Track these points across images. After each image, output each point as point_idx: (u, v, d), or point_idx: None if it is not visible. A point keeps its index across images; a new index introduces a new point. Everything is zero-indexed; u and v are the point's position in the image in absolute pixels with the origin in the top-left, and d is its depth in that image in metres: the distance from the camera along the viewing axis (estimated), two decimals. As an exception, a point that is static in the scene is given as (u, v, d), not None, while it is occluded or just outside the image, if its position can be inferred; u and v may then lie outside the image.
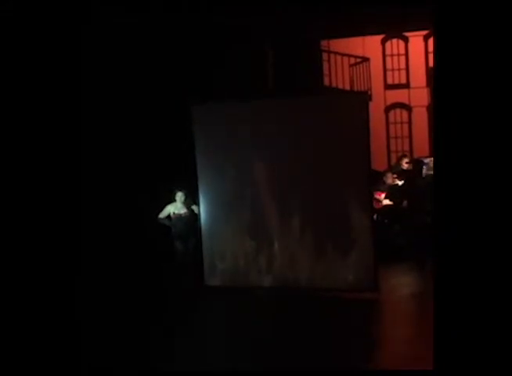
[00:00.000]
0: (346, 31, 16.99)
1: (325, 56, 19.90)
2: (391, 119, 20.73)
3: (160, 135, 12.95)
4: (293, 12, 12.57)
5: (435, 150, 4.85)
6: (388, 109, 20.67)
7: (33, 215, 6.09)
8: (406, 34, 19.79)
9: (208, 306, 10.93)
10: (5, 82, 6.05)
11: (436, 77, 4.75)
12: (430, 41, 18.96)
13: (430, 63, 18.75)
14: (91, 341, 8.24)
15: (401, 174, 14.21)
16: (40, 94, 6.20)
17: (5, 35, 6.04)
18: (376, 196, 13.35)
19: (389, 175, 14.04)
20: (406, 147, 20.36)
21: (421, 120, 19.80)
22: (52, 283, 6.16)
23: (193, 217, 11.88)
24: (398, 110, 20.66)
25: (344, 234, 10.55)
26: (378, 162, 16.99)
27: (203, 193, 11.30)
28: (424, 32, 18.89)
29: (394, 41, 20.35)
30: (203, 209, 11.36)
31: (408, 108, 20.48)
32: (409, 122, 20.53)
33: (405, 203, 13.44)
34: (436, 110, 4.78)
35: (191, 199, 11.90)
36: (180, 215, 12.03)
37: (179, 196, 12.01)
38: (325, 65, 19.87)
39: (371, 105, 13.78)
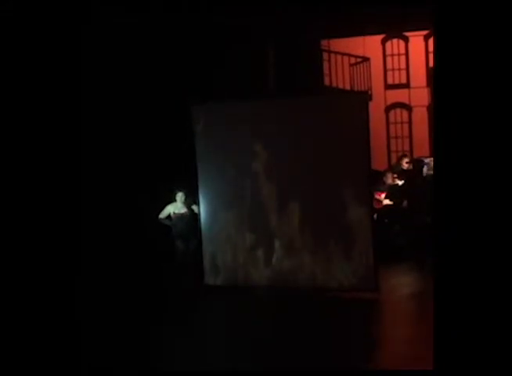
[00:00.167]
0: (346, 31, 16.98)
1: (325, 55, 19.89)
2: (392, 119, 20.72)
3: (160, 135, 12.95)
4: (293, 12, 12.56)
5: (435, 149, 4.85)
6: (388, 109, 20.65)
7: (33, 215, 6.09)
8: (407, 33, 19.77)
9: (208, 306, 10.93)
10: (5, 82, 6.04)
11: (436, 77, 4.74)
12: (431, 41, 18.93)
13: (431, 63, 18.73)
14: (91, 341, 8.23)
15: (401, 174, 14.22)
16: (40, 94, 6.19)
17: (5, 35, 6.03)
18: (377, 196, 13.34)
19: (389, 175, 14.04)
20: (406, 147, 20.34)
21: (421, 120, 19.78)
22: (52, 284, 6.16)
23: (194, 217, 11.88)
24: (398, 110, 20.64)
25: (344, 234, 10.55)
26: (378, 162, 17.00)
27: (203, 192, 11.30)
28: (425, 32, 18.87)
29: (395, 41, 20.33)
30: (203, 209, 11.36)
31: (408, 108, 20.46)
32: (410, 122, 20.52)
33: (405, 203, 13.45)
34: (436, 109, 4.78)
35: (191, 199, 11.90)
36: (181, 214, 12.04)
37: (179, 196, 12.02)
38: (325, 65, 19.85)
39: (371, 105, 13.79)
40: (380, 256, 10.78)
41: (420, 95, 19.79)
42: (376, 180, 13.37)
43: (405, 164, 14.82)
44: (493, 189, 4.51)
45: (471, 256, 4.53)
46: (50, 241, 6.16)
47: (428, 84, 19.43)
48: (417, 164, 14.50)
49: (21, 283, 6.00)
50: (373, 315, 10.13)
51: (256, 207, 10.98)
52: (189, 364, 8.15)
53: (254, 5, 11.60)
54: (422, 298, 10.17)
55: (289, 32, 15.17)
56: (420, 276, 11.83)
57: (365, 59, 19.99)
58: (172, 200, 12.10)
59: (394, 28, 17.41)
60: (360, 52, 20.02)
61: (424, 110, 19.77)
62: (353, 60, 19.94)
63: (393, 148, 20.61)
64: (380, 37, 20.01)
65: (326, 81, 19.79)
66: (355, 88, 19.49)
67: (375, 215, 12.16)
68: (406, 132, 20.60)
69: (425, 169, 14.12)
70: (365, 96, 11.90)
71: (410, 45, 20.15)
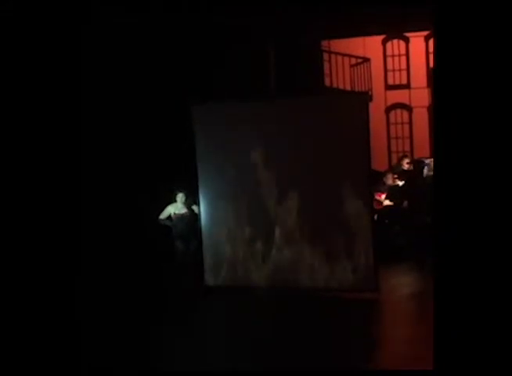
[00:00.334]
0: (346, 31, 16.97)
1: (326, 56, 19.88)
2: (392, 119, 20.71)
3: (161, 135, 12.95)
4: (293, 12, 12.55)
5: (435, 150, 4.84)
6: (389, 109, 20.65)
7: (33, 215, 6.09)
8: (407, 34, 19.77)
9: (208, 306, 10.91)
10: (5, 82, 6.04)
11: (436, 78, 4.74)
12: (431, 42, 18.92)
13: (431, 64, 18.70)
14: (91, 341, 8.23)
15: (401, 174, 14.22)
16: (40, 94, 6.19)
17: (5, 35, 6.03)
18: (377, 197, 13.35)
19: (389, 175, 14.04)
20: (407, 148, 20.35)
21: (422, 120, 19.77)
22: (52, 284, 6.16)
23: (194, 217, 11.88)
24: (398, 111, 20.64)
25: (344, 234, 10.55)
26: (379, 162, 16.99)
27: (203, 193, 11.29)
28: (425, 33, 18.85)
29: (395, 41, 20.32)
30: (203, 209, 11.35)
31: (408, 109, 20.46)
32: (410, 123, 20.52)
33: (405, 203, 13.45)
34: (436, 110, 4.78)
35: (191, 199, 11.90)
36: (181, 215, 12.04)
37: (180, 197, 12.02)
38: (326, 65, 19.85)
39: (372, 105, 13.81)
40: (380, 256, 10.77)
41: (420, 96, 19.78)
42: (376, 181, 13.38)
43: (405, 165, 14.83)
44: (493, 190, 4.51)
45: (471, 256, 4.52)
46: (50, 241, 6.16)
47: (429, 85, 19.42)
48: (418, 164, 14.50)
49: (21, 284, 6.00)
50: (373, 315, 10.13)
51: (256, 207, 10.97)
52: (189, 364, 8.15)
53: (254, 5, 11.59)
54: (422, 298, 10.16)
55: (289, 32, 15.16)
56: (420, 276, 11.83)
57: (366, 60, 19.99)
58: (172, 200, 12.10)
59: (394, 29, 17.40)
60: (360, 53, 20.02)
61: (425, 110, 19.76)
62: (353, 61, 19.93)
63: (393, 149, 20.60)
64: (380, 37, 20.00)
65: (327, 82, 19.78)
66: (356, 89, 19.49)
67: (375, 216, 12.17)
68: (407, 133, 20.60)
69: (425, 170, 14.12)
70: (365, 97, 11.90)
71: (411, 45, 20.14)
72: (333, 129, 10.58)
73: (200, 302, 11.02)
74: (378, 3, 11.93)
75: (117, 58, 12.10)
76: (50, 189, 6.20)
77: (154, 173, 12.69)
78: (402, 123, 20.61)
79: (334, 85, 19.70)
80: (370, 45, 20.02)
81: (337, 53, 19.78)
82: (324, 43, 19.66)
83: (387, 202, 13.60)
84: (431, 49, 18.55)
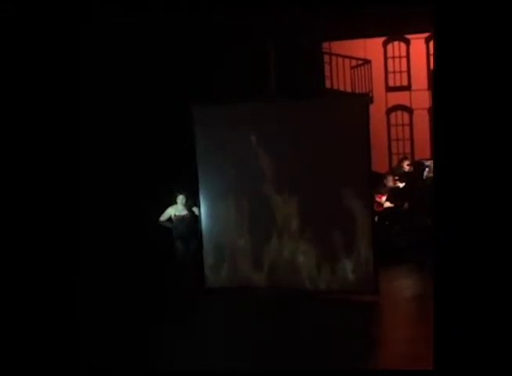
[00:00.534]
0: (347, 33, 16.96)
1: (326, 58, 19.89)
2: (393, 121, 20.73)
3: (161, 136, 12.95)
4: (293, 13, 12.55)
5: (435, 152, 4.83)
6: (390, 111, 20.67)
7: (33, 215, 6.08)
8: (408, 36, 19.79)
9: (208, 306, 10.93)
10: (5, 82, 6.04)
11: (436, 79, 4.73)
12: (432, 44, 18.92)
13: (432, 66, 18.72)
14: (91, 341, 8.23)
15: (402, 176, 14.22)
16: (40, 94, 6.19)
17: (5, 35, 6.04)
18: (377, 199, 13.36)
19: (390, 178, 14.05)
20: (407, 149, 20.37)
21: (422, 122, 19.77)
22: (52, 284, 6.15)
23: (194, 219, 11.88)
24: (399, 113, 20.66)
25: (345, 235, 10.54)
26: (379, 164, 17.00)
27: (203, 193, 11.29)
28: (426, 34, 18.86)
29: (396, 43, 20.35)
30: (203, 210, 11.35)
31: (409, 110, 20.48)
32: (411, 124, 20.54)
33: (406, 205, 13.45)
34: (436, 112, 4.77)
35: (192, 201, 11.91)
36: (181, 216, 12.04)
37: (180, 198, 12.01)
38: (326, 67, 19.85)
39: (372, 107, 13.80)
40: (381, 258, 10.77)
41: (421, 98, 19.79)
42: (377, 183, 13.39)
43: (406, 167, 14.84)
44: (493, 191, 4.50)
45: (471, 257, 4.52)
46: (50, 241, 6.16)
47: (429, 87, 19.41)
48: (418, 166, 14.51)
49: (21, 284, 5.99)
50: (373, 317, 10.12)
51: (256, 207, 10.98)
52: (189, 364, 8.16)
53: (254, 5, 11.59)
54: (422, 300, 10.15)
55: (289, 32, 15.16)
56: (420, 278, 11.81)
57: (367, 62, 20.00)
58: (173, 202, 12.10)
59: (394, 30, 17.38)
60: (361, 55, 20.04)
61: (425, 112, 19.77)
62: (354, 63, 19.94)
63: (394, 150, 20.62)
64: (381, 39, 20.02)
65: (328, 84, 19.79)
66: (356, 91, 19.47)
67: (376, 218, 12.17)
68: (407, 135, 20.62)
69: (426, 171, 14.14)
70: (366, 99, 11.88)
71: (411, 47, 20.17)
72: (333, 131, 10.58)
73: (200, 303, 11.03)
74: (378, 3, 11.93)
75: (116, 58, 12.10)
76: (50, 189, 6.20)
77: (154, 173, 12.69)
78: (403, 125, 20.63)
79: (335, 87, 19.70)
80: (371, 47, 20.05)
81: (337, 55, 19.78)
82: (325, 45, 19.67)
83: (387, 204, 13.61)
84: (432, 51, 18.56)
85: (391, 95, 20.49)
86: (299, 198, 10.73)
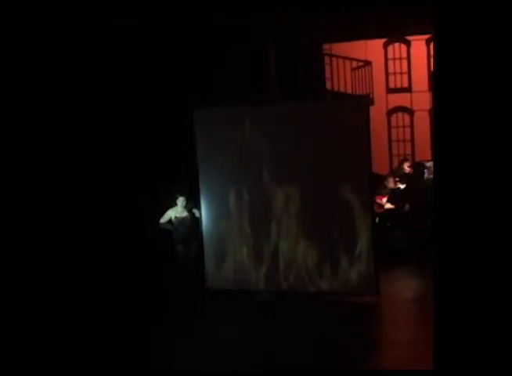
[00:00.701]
0: (347, 33, 16.93)
1: (327, 59, 19.92)
2: (393, 123, 20.76)
3: (160, 136, 12.93)
4: (293, 12, 12.55)
5: (435, 153, 4.83)
6: (390, 113, 20.70)
7: (33, 215, 6.08)
8: (408, 38, 19.82)
9: (209, 307, 10.93)
10: (5, 82, 6.04)
11: (436, 80, 4.73)
12: (433, 45, 18.95)
13: (433, 67, 18.74)
14: (91, 341, 8.22)
15: (403, 177, 14.22)
16: (40, 95, 6.19)
17: (5, 35, 6.04)
18: (378, 200, 13.36)
19: (391, 179, 14.04)
20: (408, 151, 20.39)
21: (423, 124, 19.81)
22: (52, 283, 6.15)
23: (195, 221, 11.87)
24: (400, 114, 20.69)
25: (345, 236, 10.54)
26: (380, 165, 17.04)
27: (204, 194, 11.29)
28: (426, 36, 18.91)
29: (397, 44, 20.39)
30: (204, 211, 11.35)
31: (410, 112, 20.51)
32: (411, 126, 20.57)
33: (407, 206, 13.44)
34: (436, 112, 4.77)
35: (192, 203, 11.90)
36: (182, 218, 12.02)
37: (180, 200, 12.00)
38: (327, 68, 19.87)
39: (373, 109, 13.82)
40: (381, 259, 10.77)
41: (421, 99, 19.82)
42: (377, 184, 13.39)
43: (406, 168, 14.85)
44: (493, 192, 4.51)
45: (471, 258, 4.52)
46: (50, 241, 6.15)
47: (430, 88, 19.45)
48: (419, 167, 14.50)
49: (21, 284, 5.99)
50: (374, 318, 10.12)
51: (257, 208, 10.97)
52: (189, 364, 8.17)
53: (254, 5, 11.58)
54: (423, 302, 10.15)
55: (289, 32, 15.16)
56: (421, 279, 11.80)
57: (367, 63, 20.02)
58: (173, 204, 12.09)
59: (395, 31, 17.38)
60: (362, 56, 20.06)
61: (426, 113, 19.80)
62: (355, 64, 19.96)
63: (395, 152, 20.65)
64: (381, 41, 20.07)
65: (328, 85, 19.80)
66: (357, 92, 19.50)
67: (377, 219, 12.17)
68: (408, 136, 20.65)
69: (426, 173, 14.12)
70: (366, 100, 11.91)
71: (412, 49, 20.21)
72: (334, 132, 10.58)
73: (201, 303, 11.02)
74: (378, 3, 11.92)
75: (116, 58, 12.08)
76: (50, 189, 6.19)
77: (154, 174, 12.68)
78: (404, 126, 20.66)
79: (336, 89, 19.71)
80: (372, 49, 20.08)
81: (338, 56, 19.79)
82: (325, 46, 19.70)
83: (388, 205, 13.60)
84: (433, 53, 18.59)
85: (392, 96, 20.52)
86: (300, 199, 10.73)
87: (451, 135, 4.58)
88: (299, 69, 16.46)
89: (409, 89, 20.38)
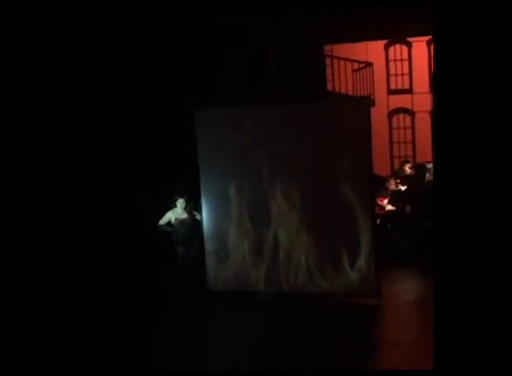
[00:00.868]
0: (347, 34, 16.93)
1: (328, 61, 19.94)
2: (394, 124, 20.76)
3: (161, 136, 12.93)
4: (293, 12, 12.54)
5: (435, 154, 4.82)
6: (391, 114, 20.70)
7: (33, 215, 6.09)
8: (409, 39, 19.83)
9: (209, 308, 10.93)
10: (5, 82, 6.05)
11: (436, 81, 4.73)
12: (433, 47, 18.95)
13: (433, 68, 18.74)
14: (91, 341, 8.22)
15: (404, 179, 14.21)
16: (40, 95, 6.19)
17: (5, 35, 6.05)
18: (379, 202, 13.36)
19: (392, 181, 14.03)
20: (409, 152, 20.39)
21: (424, 125, 19.77)
22: (52, 284, 6.16)
23: (195, 222, 11.87)
24: (401, 115, 20.69)
25: (346, 237, 10.53)
26: (381, 167, 17.02)
27: (204, 195, 11.29)
28: (427, 37, 18.89)
29: (398, 46, 20.40)
30: (205, 212, 11.35)
31: (411, 113, 20.50)
32: (412, 127, 20.56)
33: (408, 208, 13.44)
34: (436, 114, 4.77)
35: (192, 204, 11.90)
36: (181, 219, 12.02)
37: (180, 202, 11.99)
38: (328, 70, 19.90)
39: (374, 110, 13.83)
40: (383, 261, 10.77)
41: (422, 101, 19.81)
42: (379, 186, 13.39)
43: (407, 170, 14.83)
44: (493, 194, 4.51)
45: (471, 259, 4.52)
46: (50, 241, 6.16)
47: (431, 90, 19.43)
48: (420, 169, 14.51)
49: (21, 284, 6.00)
50: (375, 319, 10.11)
51: (257, 208, 10.97)
52: (189, 364, 8.17)
53: (254, 5, 11.58)
54: (424, 303, 10.11)
55: (289, 32, 15.16)
56: (422, 280, 11.79)
57: (368, 65, 20.03)
58: (173, 206, 12.09)
59: (395, 31, 17.37)
60: (363, 58, 20.07)
61: (427, 115, 19.78)
62: (356, 66, 19.96)
63: (396, 153, 20.65)
64: (383, 42, 20.08)
65: (329, 87, 19.82)
66: (358, 94, 19.50)
67: (378, 221, 12.17)
68: (409, 138, 20.65)
69: (428, 174, 14.13)
70: (367, 101, 11.90)
71: (413, 50, 20.21)
72: (334, 133, 10.58)
73: (201, 304, 11.02)
74: (378, 3, 11.91)
75: (117, 58, 12.07)
76: (50, 190, 6.20)
77: (154, 174, 12.68)
78: (405, 128, 20.66)
79: (337, 90, 19.74)
80: (373, 50, 20.09)
81: (339, 58, 19.81)
82: (327, 48, 19.72)
83: (389, 207, 13.60)
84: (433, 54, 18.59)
85: (393, 98, 20.52)
86: (300, 199, 10.73)
87: (451, 137, 4.58)
88: (299, 69, 16.46)
89: (410, 91, 20.38)
